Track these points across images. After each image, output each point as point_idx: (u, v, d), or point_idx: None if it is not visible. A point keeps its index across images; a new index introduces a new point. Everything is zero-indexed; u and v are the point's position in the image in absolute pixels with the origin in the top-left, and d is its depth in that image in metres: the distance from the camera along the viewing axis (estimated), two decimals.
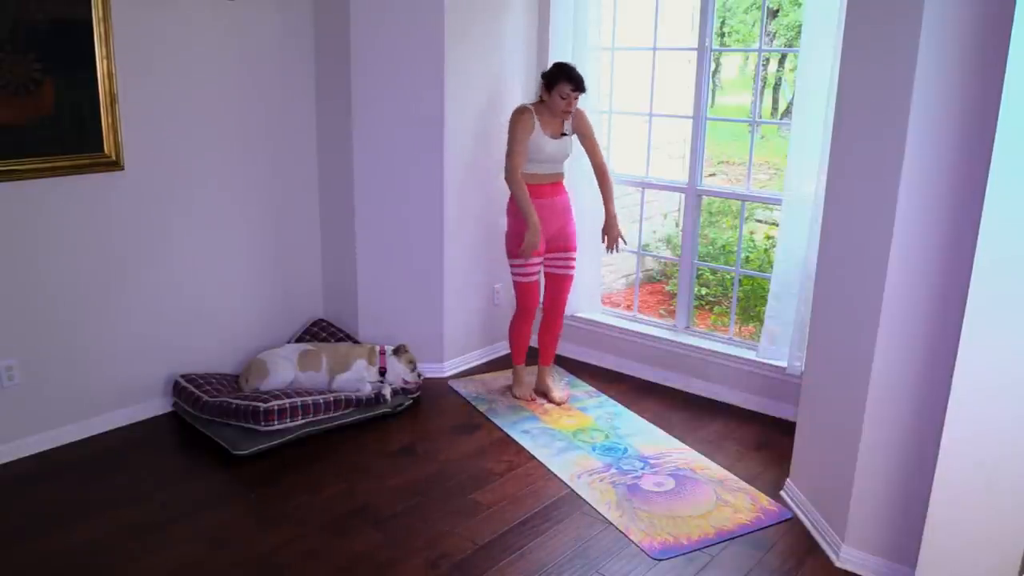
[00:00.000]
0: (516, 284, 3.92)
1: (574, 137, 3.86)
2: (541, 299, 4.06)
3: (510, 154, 3.71)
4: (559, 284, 3.97)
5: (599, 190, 3.93)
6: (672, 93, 5.19)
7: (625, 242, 3.94)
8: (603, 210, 3.91)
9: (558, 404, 3.97)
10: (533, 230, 3.68)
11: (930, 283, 2.44)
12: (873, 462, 2.65)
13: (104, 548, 2.78)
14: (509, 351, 4.17)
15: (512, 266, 3.89)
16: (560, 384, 4.20)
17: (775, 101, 9.91)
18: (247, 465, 3.34)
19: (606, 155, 4.49)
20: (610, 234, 3.89)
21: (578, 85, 3.67)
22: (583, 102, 3.86)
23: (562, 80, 3.65)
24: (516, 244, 3.79)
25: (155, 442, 3.56)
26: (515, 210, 3.78)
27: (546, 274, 3.97)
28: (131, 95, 3.42)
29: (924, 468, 2.46)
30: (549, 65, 3.87)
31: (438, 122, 4.00)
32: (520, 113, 3.73)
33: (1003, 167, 2.02)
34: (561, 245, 3.89)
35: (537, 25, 4.40)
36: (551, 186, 3.83)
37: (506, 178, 3.74)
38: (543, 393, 4.06)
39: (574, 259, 3.96)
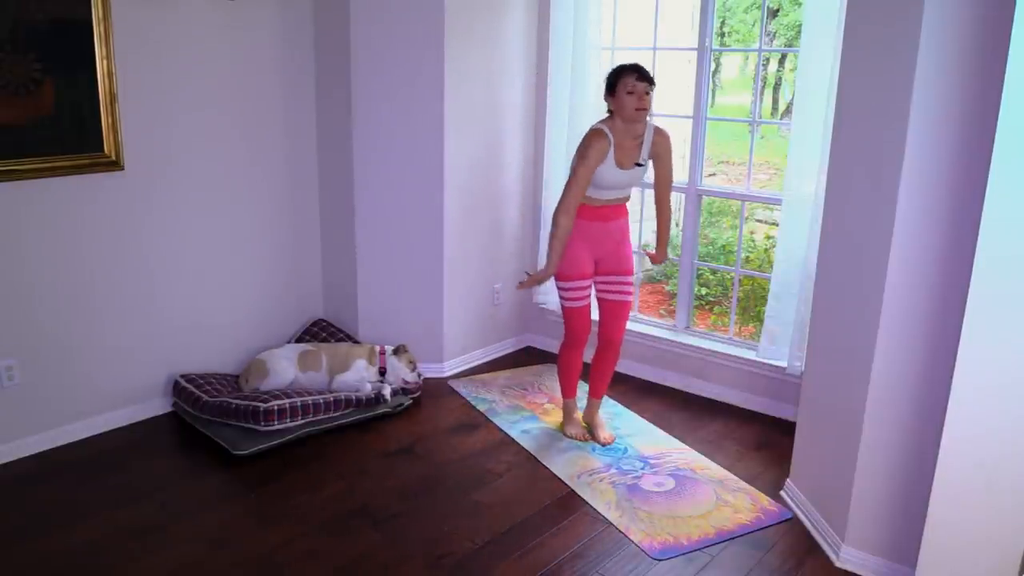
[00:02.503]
0: (564, 310, 3.52)
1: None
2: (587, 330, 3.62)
3: (570, 185, 3.26)
4: (615, 311, 3.51)
5: (656, 218, 3.57)
6: (672, 93, 5.18)
7: (661, 261, 3.66)
8: (656, 242, 3.60)
9: (602, 444, 3.58)
10: (548, 269, 3.34)
11: (930, 283, 2.44)
12: (873, 462, 2.65)
13: (104, 548, 2.78)
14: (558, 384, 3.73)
15: (560, 289, 3.48)
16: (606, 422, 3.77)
17: (775, 101, 9.91)
18: (247, 465, 3.34)
19: None
20: (658, 258, 3.63)
21: (644, 74, 3.18)
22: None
23: (625, 73, 3.18)
24: (567, 266, 3.38)
25: (155, 442, 3.56)
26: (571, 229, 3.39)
27: (600, 300, 3.54)
28: (131, 95, 3.42)
29: (924, 468, 2.46)
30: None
31: (438, 121, 4.00)
32: (596, 138, 3.22)
33: (1003, 167, 2.02)
34: (614, 267, 3.46)
35: (537, 24, 4.40)
36: (613, 208, 3.41)
37: (556, 208, 3.31)
38: (589, 426, 3.68)
39: (630, 283, 3.51)
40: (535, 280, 3.42)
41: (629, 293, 3.53)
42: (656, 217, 3.57)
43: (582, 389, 3.85)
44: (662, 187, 3.49)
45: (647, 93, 3.19)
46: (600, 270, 3.48)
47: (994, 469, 2.17)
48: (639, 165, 3.32)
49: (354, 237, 4.18)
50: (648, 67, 3.13)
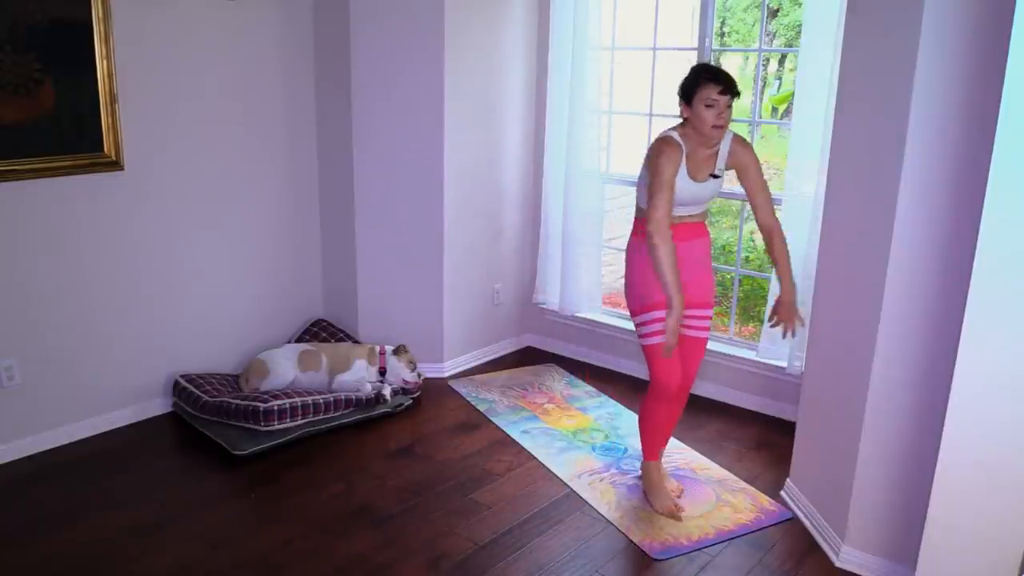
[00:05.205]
0: (646, 351, 2.95)
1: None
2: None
3: (654, 204, 2.75)
4: (690, 349, 3.04)
5: (768, 252, 2.98)
6: (672, 93, 5.18)
7: (803, 325, 2.97)
8: (778, 281, 2.96)
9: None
10: (675, 313, 2.72)
11: (930, 283, 2.44)
12: (873, 462, 2.65)
13: (104, 548, 2.78)
14: (640, 440, 3.22)
15: (639, 325, 2.94)
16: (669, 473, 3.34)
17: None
18: (247, 465, 3.34)
19: (604, 156, 4.49)
20: (784, 314, 2.89)
21: (728, 85, 2.71)
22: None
23: (703, 81, 2.73)
24: (645, 294, 2.90)
25: (155, 442, 3.55)
26: (637, 255, 2.92)
27: None
28: (131, 95, 3.42)
29: (924, 468, 2.46)
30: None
31: (438, 122, 4.00)
32: (666, 145, 2.78)
33: (1003, 167, 2.02)
34: (694, 297, 2.94)
35: (537, 24, 4.40)
36: (689, 226, 2.93)
37: (648, 231, 2.77)
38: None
39: (710, 317, 3.06)
40: (670, 331, 2.75)
41: (707, 328, 3.07)
42: (768, 249, 2.96)
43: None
44: (761, 205, 2.90)
45: (729, 106, 2.75)
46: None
47: (994, 469, 2.17)
48: (715, 177, 2.88)
49: (354, 237, 4.18)
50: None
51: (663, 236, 2.73)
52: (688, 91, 2.78)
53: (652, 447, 3.16)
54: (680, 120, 2.88)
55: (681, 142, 2.81)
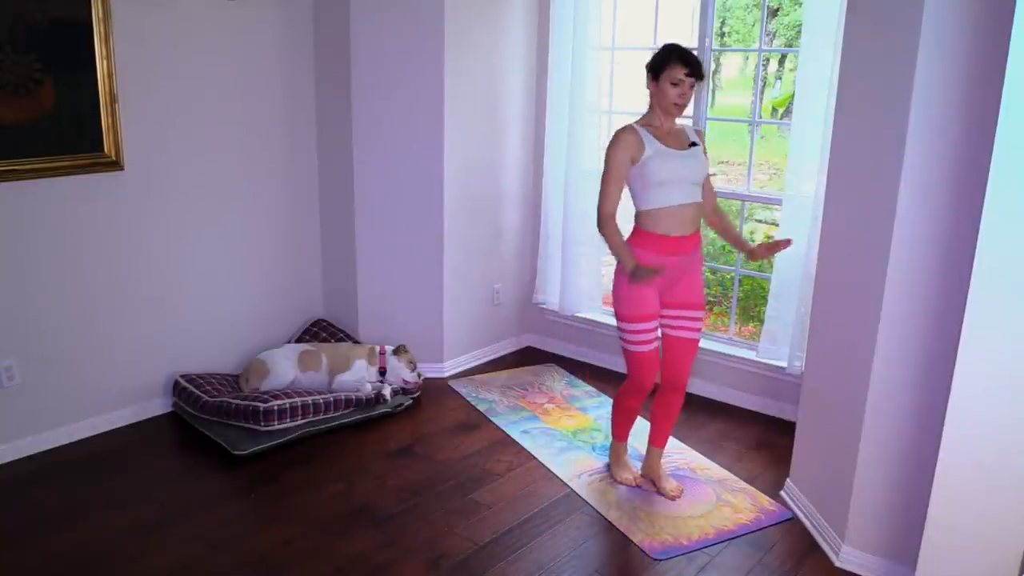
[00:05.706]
0: (626, 354, 3.06)
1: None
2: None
3: (601, 195, 2.92)
4: (682, 350, 3.08)
5: (721, 230, 3.15)
6: None
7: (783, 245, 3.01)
8: (738, 246, 3.20)
9: (670, 498, 3.18)
10: (639, 272, 2.78)
11: (930, 283, 2.44)
12: (873, 462, 2.65)
13: (104, 548, 2.78)
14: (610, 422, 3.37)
15: (621, 331, 3.03)
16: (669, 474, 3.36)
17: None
18: (247, 465, 3.34)
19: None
20: (768, 246, 3.08)
21: (694, 68, 2.83)
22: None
23: (672, 61, 2.83)
24: (629, 305, 2.97)
25: (155, 442, 3.56)
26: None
27: (665, 337, 3.09)
28: (131, 95, 3.42)
29: (924, 468, 2.46)
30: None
31: (438, 122, 4.00)
32: (618, 133, 2.91)
33: (1003, 167, 2.02)
34: (684, 299, 3.02)
35: (537, 24, 4.41)
36: (691, 237, 2.94)
37: (597, 227, 2.96)
38: (651, 479, 3.27)
39: (701, 319, 3.09)
40: (639, 276, 2.80)
41: (699, 329, 3.09)
42: (720, 227, 3.16)
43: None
44: (712, 194, 3.10)
45: (692, 87, 2.88)
46: (668, 302, 3.02)
47: (994, 469, 2.17)
48: (694, 144, 2.95)
49: (354, 237, 4.18)
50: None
51: (610, 229, 2.92)
52: (657, 68, 2.90)
53: (620, 430, 3.33)
54: (648, 109, 2.99)
55: (637, 127, 2.94)
